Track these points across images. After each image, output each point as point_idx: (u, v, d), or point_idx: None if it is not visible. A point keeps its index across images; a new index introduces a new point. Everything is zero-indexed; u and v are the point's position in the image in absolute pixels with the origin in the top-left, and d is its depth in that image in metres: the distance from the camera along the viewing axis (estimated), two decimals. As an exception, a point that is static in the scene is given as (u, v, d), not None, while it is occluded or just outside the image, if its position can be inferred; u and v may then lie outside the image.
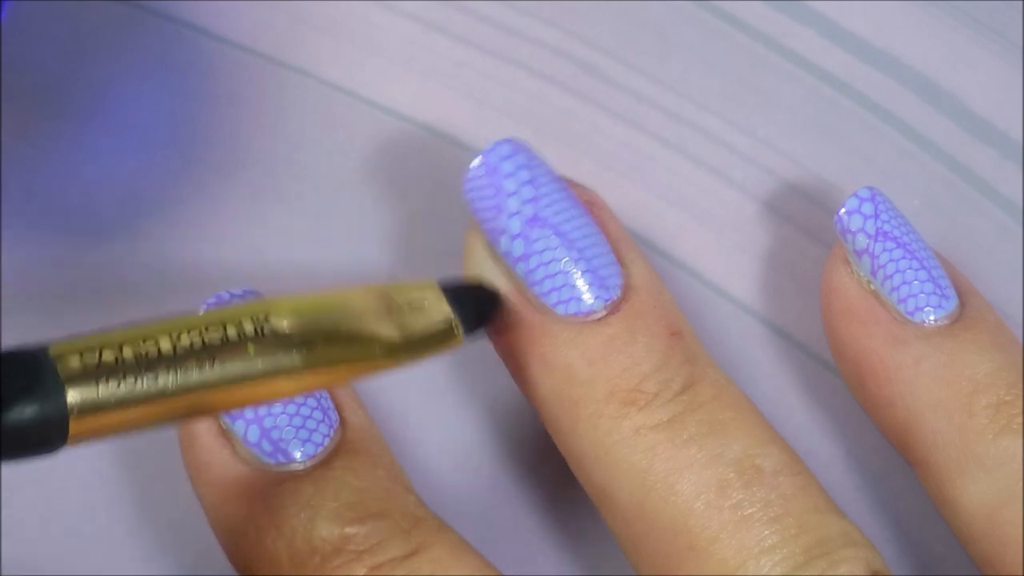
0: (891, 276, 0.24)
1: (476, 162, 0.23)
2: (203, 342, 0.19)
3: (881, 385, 0.24)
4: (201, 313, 0.20)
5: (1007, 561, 0.22)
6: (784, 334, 0.26)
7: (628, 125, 0.27)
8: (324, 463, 0.22)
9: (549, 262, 0.23)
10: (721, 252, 0.27)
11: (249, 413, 0.23)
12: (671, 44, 0.27)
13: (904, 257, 0.24)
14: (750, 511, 0.22)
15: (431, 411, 0.26)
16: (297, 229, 0.26)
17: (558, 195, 0.23)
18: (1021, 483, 0.22)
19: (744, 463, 0.22)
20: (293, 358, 0.20)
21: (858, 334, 0.24)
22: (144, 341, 0.19)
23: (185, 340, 0.19)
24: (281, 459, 0.22)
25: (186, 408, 0.19)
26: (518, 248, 0.23)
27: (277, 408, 0.23)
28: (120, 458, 0.25)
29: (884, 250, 0.24)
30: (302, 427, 0.23)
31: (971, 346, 0.23)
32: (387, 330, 0.21)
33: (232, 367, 0.19)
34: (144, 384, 0.19)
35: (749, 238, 0.27)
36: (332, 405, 0.23)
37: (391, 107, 0.27)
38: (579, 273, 0.23)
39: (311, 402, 0.23)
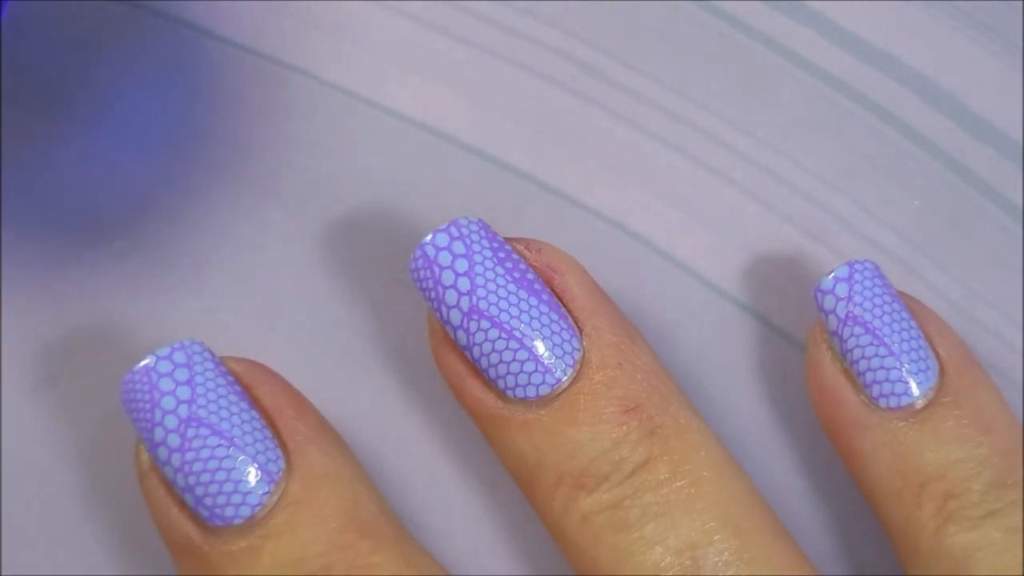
0: (857, 361, 0.24)
1: (416, 251, 0.23)
2: None
3: (847, 462, 0.24)
4: None
5: None
6: (783, 334, 0.26)
7: (628, 125, 0.27)
8: (265, 521, 0.22)
9: (490, 352, 0.23)
10: (721, 252, 0.27)
11: (180, 480, 0.22)
12: (671, 44, 0.27)
13: (872, 343, 0.24)
14: None
15: (433, 411, 0.26)
16: (297, 229, 0.26)
17: (499, 281, 0.23)
18: None
19: (683, 554, 0.22)
20: None
21: (829, 411, 0.24)
22: None
23: None
24: (219, 523, 0.22)
25: None
26: (462, 339, 0.23)
27: (210, 467, 0.22)
28: (120, 458, 0.25)
29: (851, 335, 0.24)
30: (235, 491, 0.22)
31: (930, 438, 0.23)
32: None
33: None
34: None
35: (749, 238, 0.27)
36: (277, 449, 0.23)
37: (391, 107, 0.27)
38: (525, 359, 0.23)
39: (243, 458, 0.22)
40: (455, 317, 0.23)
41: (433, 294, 0.23)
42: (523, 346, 0.23)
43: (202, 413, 0.22)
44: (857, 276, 0.24)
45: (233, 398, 0.22)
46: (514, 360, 0.23)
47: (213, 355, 0.23)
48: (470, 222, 0.23)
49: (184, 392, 0.22)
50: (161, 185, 0.26)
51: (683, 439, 0.23)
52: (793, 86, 0.27)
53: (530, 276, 0.23)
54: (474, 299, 0.23)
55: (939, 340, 0.24)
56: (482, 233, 0.23)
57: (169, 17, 0.27)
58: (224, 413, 0.22)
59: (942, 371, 0.24)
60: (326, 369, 0.26)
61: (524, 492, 0.23)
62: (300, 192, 0.26)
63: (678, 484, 0.22)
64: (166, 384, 0.22)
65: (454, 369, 0.24)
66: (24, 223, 0.26)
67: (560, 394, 0.23)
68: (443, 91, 0.27)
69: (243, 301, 0.26)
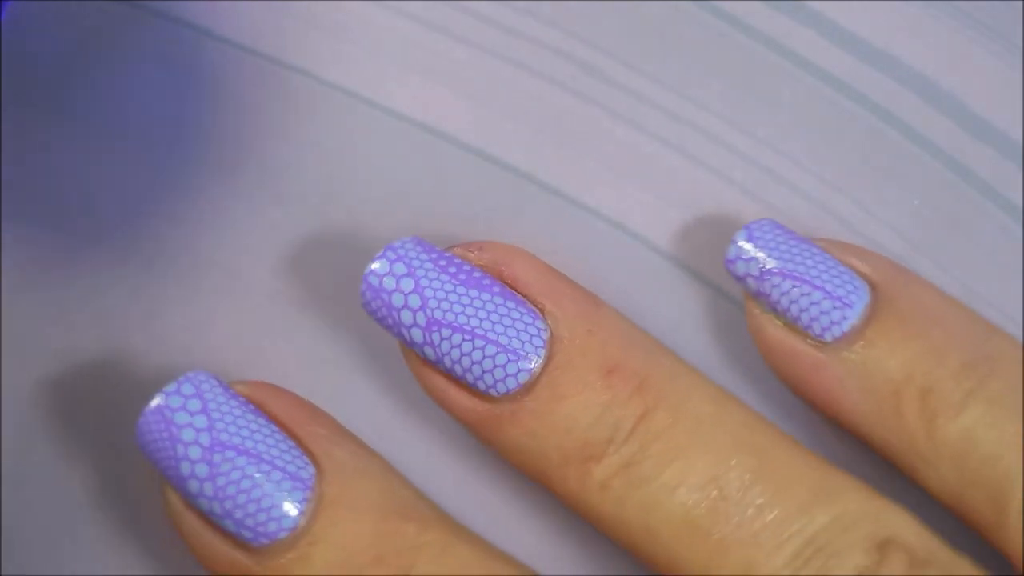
0: (788, 309, 0.24)
1: (362, 285, 0.23)
2: None
3: (829, 412, 0.24)
4: None
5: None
6: (784, 334, 0.26)
7: (628, 125, 0.27)
8: (308, 528, 0.22)
9: (460, 358, 0.23)
10: (722, 252, 0.26)
11: (208, 501, 0.22)
12: (671, 44, 0.27)
13: (794, 286, 0.24)
14: (724, 534, 0.22)
15: (434, 410, 0.26)
16: (297, 229, 0.26)
17: (447, 288, 0.23)
18: (970, 464, 0.22)
19: (707, 488, 0.22)
20: None
21: (787, 369, 0.24)
22: None
23: None
24: (265, 541, 0.22)
25: None
26: (431, 354, 0.23)
27: (241, 486, 0.22)
28: (121, 458, 0.25)
29: (773, 288, 0.24)
30: (273, 505, 0.22)
31: (884, 348, 0.23)
32: None
33: None
34: None
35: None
36: (303, 456, 0.23)
37: (391, 107, 0.27)
38: (495, 353, 0.23)
39: (276, 472, 0.22)
40: (417, 335, 0.23)
41: (390, 320, 0.23)
42: (489, 341, 0.23)
43: (224, 437, 0.22)
44: (757, 234, 0.24)
45: (250, 416, 0.22)
46: (485, 358, 0.23)
47: (220, 380, 0.23)
48: (404, 242, 0.23)
49: (201, 421, 0.22)
50: (161, 185, 0.26)
51: (674, 384, 0.23)
52: (793, 86, 0.27)
53: (477, 275, 0.23)
54: (428, 311, 0.23)
55: (862, 260, 0.24)
56: (419, 249, 0.23)
57: (169, 17, 0.27)
58: (245, 432, 0.22)
59: (872, 285, 0.24)
60: (327, 369, 0.26)
61: (541, 483, 0.23)
62: (300, 192, 0.26)
63: (682, 426, 0.23)
64: (181, 417, 0.22)
65: (435, 385, 0.24)
66: (24, 223, 0.26)
67: (540, 377, 0.23)
68: (443, 91, 0.27)
69: (243, 301, 0.26)
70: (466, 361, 0.23)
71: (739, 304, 0.26)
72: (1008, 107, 0.27)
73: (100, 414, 0.25)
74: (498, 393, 0.23)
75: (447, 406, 0.24)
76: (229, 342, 0.26)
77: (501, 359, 0.23)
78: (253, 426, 0.22)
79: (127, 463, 0.25)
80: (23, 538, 0.25)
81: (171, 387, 0.22)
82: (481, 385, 0.23)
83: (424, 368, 0.24)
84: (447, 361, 0.23)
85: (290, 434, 0.23)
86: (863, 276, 0.24)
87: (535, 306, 0.23)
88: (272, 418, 0.23)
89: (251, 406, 0.23)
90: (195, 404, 0.22)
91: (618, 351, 0.23)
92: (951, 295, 0.25)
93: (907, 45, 0.27)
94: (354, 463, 0.23)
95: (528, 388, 0.23)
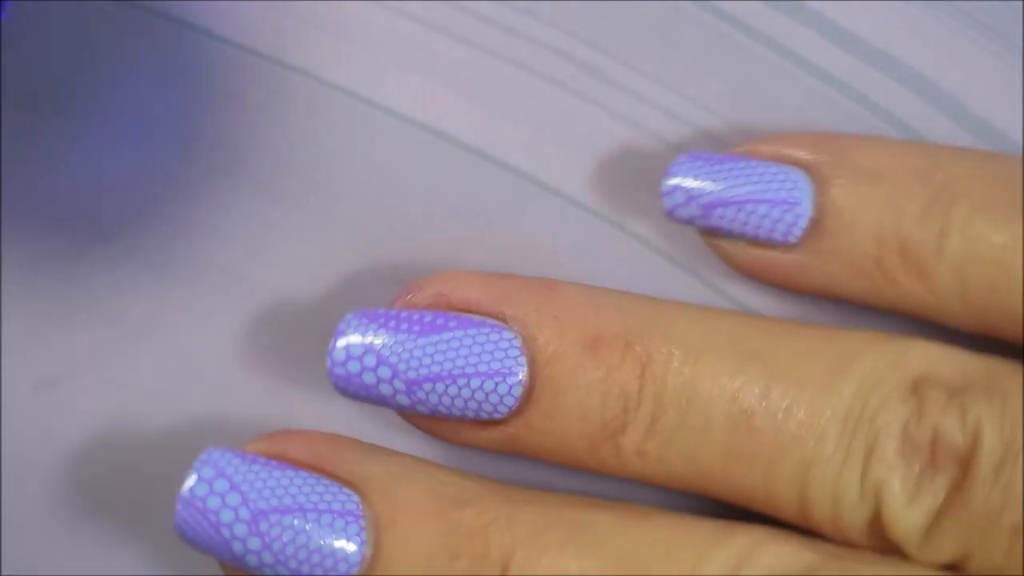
0: (744, 230, 0.24)
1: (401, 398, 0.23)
2: None
3: (824, 296, 0.24)
4: None
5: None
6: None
7: (628, 125, 0.27)
8: (376, 556, 0.22)
9: (452, 402, 0.23)
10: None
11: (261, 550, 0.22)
12: (671, 44, 0.27)
13: (740, 208, 0.24)
14: (767, 450, 0.22)
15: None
16: (297, 229, 0.26)
17: (408, 345, 0.23)
18: (977, 294, 0.22)
19: (732, 407, 0.22)
20: None
21: (773, 277, 0.24)
22: None
23: None
24: None
25: None
26: (424, 410, 0.23)
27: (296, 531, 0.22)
28: (121, 457, 0.25)
29: (719, 218, 0.24)
30: (333, 549, 0.22)
31: (847, 225, 0.23)
32: None
33: None
34: None
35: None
36: (342, 487, 0.23)
37: (391, 107, 0.27)
38: (479, 384, 0.23)
39: (326, 514, 0.22)
40: (404, 400, 0.23)
41: (375, 398, 0.23)
42: (471, 375, 0.23)
43: (262, 504, 0.22)
44: (680, 175, 0.24)
45: (277, 473, 0.22)
46: (475, 391, 0.23)
47: (234, 451, 0.23)
48: (348, 321, 0.23)
49: (234, 498, 0.22)
50: (161, 185, 0.26)
51: (656, 325, 0.23)
52: (793, 86, 0.27)
53: (428, 318, 0.23)
54: (402, 376, 0.23)
55: (789, 147, 0.24)
56: (366, 319, 0.23)
57: (169, 17, 0.27)
58: (279, 490, 0.22)
59: (809, 168, 0.24)
60: (326, 369, 0.26)
61: (583, 469, 0.23)
62: (300, 192, 0.26)
63: (680, 363, 0.23)
64: (214, 502, 0.22)
65: (445, 431, 0.24)
66: (24, 223, 0.26)
67: (532, 382, 0.23)
68: (443, 91, 0.27)
69: (243, 301, 0.26)
70: (459, 402, 0.23)
71: (740, 304, 0.26)
72: (1008, 107, 0.27)
73: (100, 414, 0.25)
74: (502, 415, 0.23)
75: (465, 443, 0.24)
76: (229, 342, 0.26)
77: (489, 385, 0.23)
78: (284, 481, 0.22)
79: (127, 462, 0.25)
80: (23, 538, 0.25)
81: (191, 479, 0.22)
82: (484, 415, 0.23)
83: (428, 421, 0.24)
84: (443, 409, 0.23)
85: (321, 472, 0.23)
86: (797, 163, 0.24)
87: (495, 318, 0.23)
88: (297, 463, 0.23)
89: (273, 461, 0.23)
90: (222, 484, 0.22)
91: (592, 322, 0.23)
92: (883, 136, 0.24)
93: (907, 45, 0.27)
94: (391, 473, 0.23)
95: (527, 397, 0.23)
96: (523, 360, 0.23)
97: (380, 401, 0.23)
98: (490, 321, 0.23)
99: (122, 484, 0.25)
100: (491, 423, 0.23)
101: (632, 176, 0.27)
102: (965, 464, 0.21)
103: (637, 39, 0.27)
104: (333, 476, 0.23)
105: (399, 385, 0.23)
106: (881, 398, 0.22)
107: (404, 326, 0.23)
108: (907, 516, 0.22)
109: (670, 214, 0.24)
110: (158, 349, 0.26)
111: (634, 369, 0.23)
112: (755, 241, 0.24)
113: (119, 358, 0.26)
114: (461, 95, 0.27)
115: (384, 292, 0.26)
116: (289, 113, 0.27)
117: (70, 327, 0.26)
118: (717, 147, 0.27)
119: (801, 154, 0.24)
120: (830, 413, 0.22)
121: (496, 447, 0.24)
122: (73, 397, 0.25)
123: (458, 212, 0.26)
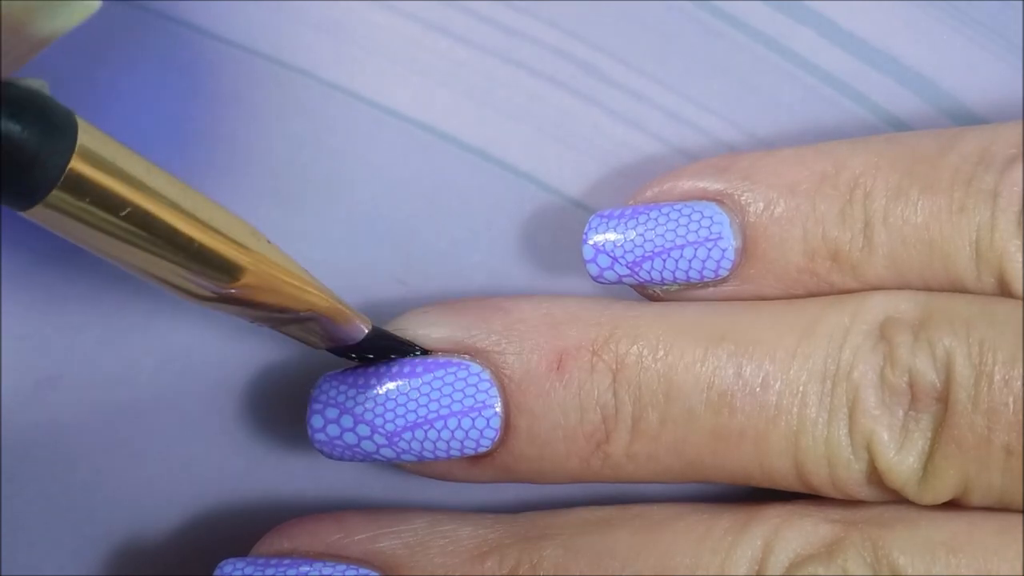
0: (676, 276, 0.24)
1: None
2: None
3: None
4: None
5: None
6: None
7: (628, 125, 0.27)
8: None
9: (434, 445, 0.23)
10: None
11: None
12: (671, 44, 0.27)
13: (667, 258, 0.24)
14: (753, 426, 0.22)
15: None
16: (297, 229, 0.26)
17: (379, 400, 0.23)
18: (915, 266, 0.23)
19: (710, 398, 0.22)
20: None
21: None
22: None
23: None
24: None
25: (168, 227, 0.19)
26: (411, 458, 0.23)
27: None
28: (121, 457, 0.25)
29: (647, 272, 0.24)
30: None
31: (770, 243, 0.23)
32: None
33: None
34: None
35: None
36: (359, 568, 0.23)
37: (391, 107, 0.27)
38: (456, 425, 0.23)
39: None
40: (389, 453, 0.23)
41: (360, 457, 0.23)
42: (447, 416, 0.23)
43: None
44: (597, 235, 0.24)
45: (292, 571, 0.23)
46: (455, 431, 0.23)
47: (246, 559, 0.23)
48: (322, 385, 0.24)
49: None
50: (161, 185, 0.26)
51: (620, 331, 0.23)
52: (793, 86, 0.27)
53: (394, 369, 0.23)
54: (381, 430, 0.23)
55: (698, 180, 0.24)
56: (335, 383, 0.24)
57: (169, 17, 0.27)
58: None
59: (722, 198, 0.24)
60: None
61: (579, 483, 0.24)
62: (300, 192, 0.26)
63: (649, 360, 0.23)
64: None
65: (439, 472, 0.24)
66: (24, 223, 0.26)
67: (507, 411, 0.23)
68: (443, 91, 0.27)
69: (243, 301, 0.26)
70: (442, 444, 0.23)
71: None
72: (1008, 107, 0.27)
73: (100, 414, 0.25)
74: (487, 448, 0.23)
75: (461, 480, 0.24)
76: (229, 342, 0.26)
77: (467, 422, 0.23)
78: None
79: (127, 462, 0.25)
80: (23, 538, 0.25)
81: None
82: (469, 451, 0.23)
83: (420, 466, 0.24)
84: (428, 454, 0.23)
85: (335, 558, 0.23)
86: (708, 196, 0.24)
87: (460, 354, 0.23)
88: (309, 555, 0.23)
89: (285, 559, 0.23)
90: None
91: (553, 339, 0.23)
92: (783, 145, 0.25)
93: (907, 45, 0.27)
94: (404, 544, 0.23)
95: (507, 426, 0.23)
96: (495, 391, 0.23)
97: (367, 458, 0.23)
98: (455, 359, 0.23)
99: (122, 483, 0.25)
100: (480, 458, 0.23)
101: (632, 175, 0.27)
102: (944, 398, 0.22)
103: (637, 39, 0.27)
104: (346, 559, 0.23)
105: (380, 440, 0.23)
106: (852, 351, 0.22)
107: (372, 381, 0.23)
108: (901, 462, 0.22)
109: (598, 279, 0.24)
110: (158, 348, 0.26)
111: (605, 378, 0.23)
112: (688, 283, 0.24)
113: (119, 357, 0.26)
114: (461, 95, 0.27)
115: (384, 292, 0.26)
116: (289, 113, 0.27)
117: (70, 327, 0.26)
118: (719, 148, 0.27)
119: (710, 186, 0.24)
120: (806, 377, 0.22)
121: (492, 480, 0.24)
122: (73, 396, 0.25)
123: (458, 212, 0.26)
